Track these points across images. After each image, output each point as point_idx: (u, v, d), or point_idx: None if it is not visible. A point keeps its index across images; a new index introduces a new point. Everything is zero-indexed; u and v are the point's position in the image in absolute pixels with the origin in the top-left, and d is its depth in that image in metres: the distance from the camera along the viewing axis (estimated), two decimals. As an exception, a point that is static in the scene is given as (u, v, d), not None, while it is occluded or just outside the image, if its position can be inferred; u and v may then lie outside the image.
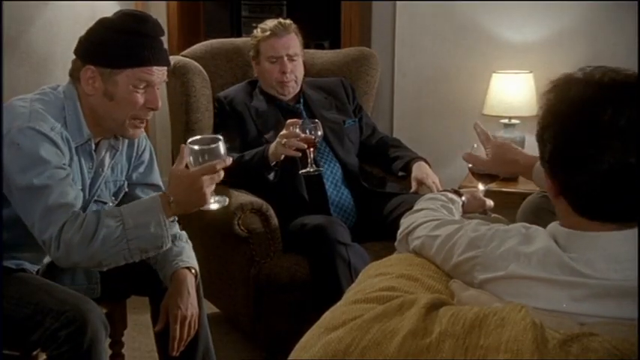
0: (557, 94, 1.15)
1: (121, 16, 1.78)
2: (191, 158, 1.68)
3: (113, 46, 1.74)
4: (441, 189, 2.53)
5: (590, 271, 1.11)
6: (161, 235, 1.68)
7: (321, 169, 2.34)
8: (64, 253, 1.63)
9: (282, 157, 2.38)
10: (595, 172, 1.09)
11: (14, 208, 1.70)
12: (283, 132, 2.33)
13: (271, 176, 2.46)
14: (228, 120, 2.66)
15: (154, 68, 1.76)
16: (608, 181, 1.09)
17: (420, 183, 2.56)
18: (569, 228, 1.18)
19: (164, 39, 1.82)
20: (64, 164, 1.70)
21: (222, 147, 1.69)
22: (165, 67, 1.81)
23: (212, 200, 1.73)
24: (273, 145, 2.39)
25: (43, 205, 1.63)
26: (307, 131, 2.29)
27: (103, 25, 1.78)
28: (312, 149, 2.31)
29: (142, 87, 1.76)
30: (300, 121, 2.32)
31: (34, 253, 1.86)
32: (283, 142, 2.31)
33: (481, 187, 1.85)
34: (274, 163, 2.41)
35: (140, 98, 1.76)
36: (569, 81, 1.15)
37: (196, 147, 1.68)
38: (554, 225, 1.22)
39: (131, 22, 1.75)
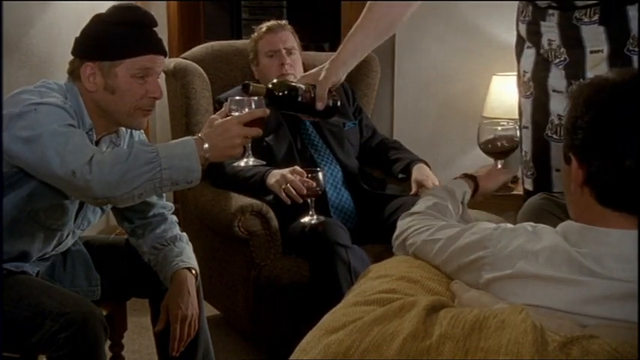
0: (594, 85, 1.18)
1: (113, 9, 1.81)
2: (233, 109, 1.68)
3: (109, 38, 1.76)
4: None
5: (598, 269, 1.11)
6: (193, 169, 1.63)
7: (322, 217, 2.30)
8: (97, 174, 1.57)
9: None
10: (627, 159, 1.11)
11: (31, 159, 1.64)
12: (288, 175, 2.32)
13: (269, 197, 2.47)
14: None
15: (152, 56, 1.78)
16: (636, 170, 1.10)
17: (421, 185, 2.56)
18: (584, 223, 1.18)
19: (164, 40, 1.83)
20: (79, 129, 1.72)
21: (262, 100, 1.70)
22: (163, 56, 1.83)
23: (247, 155, 1.72)
24: (273, 179, 2.38)
25: (72, 143, 1.61)
26: (310, 176, 2.25)
27: (96, 20, 1.81)
28: (313, 199, 2.27)
29: (141, 76, 1.77)
30: (304, 172, 2.29)
31: (29, 242, 1.85)
32: (283, 187, 2.32)
33: (498, 164, 1.79)
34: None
35: (141, 88, 1.78)
36: (606, 76, 1.19)
37: (238, 97, 1.70)
38: (566, 222, 1.23)
39: (124, 14, 1.78)
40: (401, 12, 1.90)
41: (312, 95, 1.78)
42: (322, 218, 2.29)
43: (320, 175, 2.21)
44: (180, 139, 1.71)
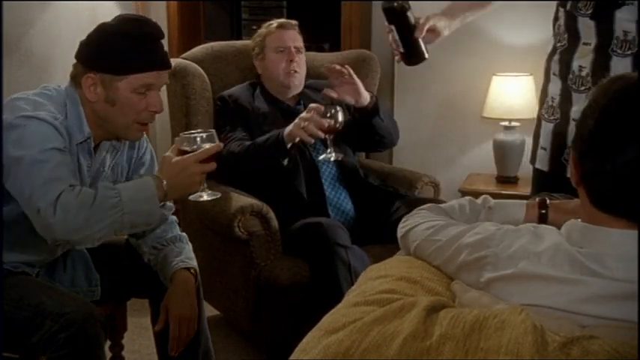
0: (603, 87, 1.19)
1: (121, 21, 1.79)
2: (186, 146, 1.72)
3: (114, 52, 1.74)
4: (354, 78, 2.46)
5: (600, 269, 1.11)
6: (153, 212, 1.70)
7: (340, 155, 2.34)
8: (61, 217, 1.60)
9: (298, 139, 2.36)
10: (615, 162, 1.11)
11: (12, 185, 1.67)
12: (304, 115, 2.32)
13: (285, 161, 2.45)
14: (233, 116, 2.65)
15: (156, 73, 1.77)
16: (625, 175, 1.11)
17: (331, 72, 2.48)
18: (586, 222, 1.19)
19: (164, 41, 1.82)
20: (64, 148, 1.72)
21: (215, 136, 1.75)
22: (167, 70, 1.82)
23: (203, 189, 1.77)
24: (290, 127, 2.37)
25: (44, 176, 1.63)
26: (328, 114, 2.29)
27: (103, 30, 1.78)
28: (332, 136, 2.31)
29: (143, 91, 1.77)
30: (322, 108, 2.31)
31: (34, 253, 1.86)
32: (302, 125, 2.30)
33: None
34: (290, 145, 2.39)
35: (142, 102, 1.78)
36: (617, 77, 1.20)
37: (191, 134, 1.74)
38: (571, 221, 1.23)
39: (130, 27, 1.76)
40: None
41: (415, 23, 2.01)
42: (341, 156, 2.34)
43: (340, 113, 2.26)
44: (141, 179, 1.75)
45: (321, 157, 2.37)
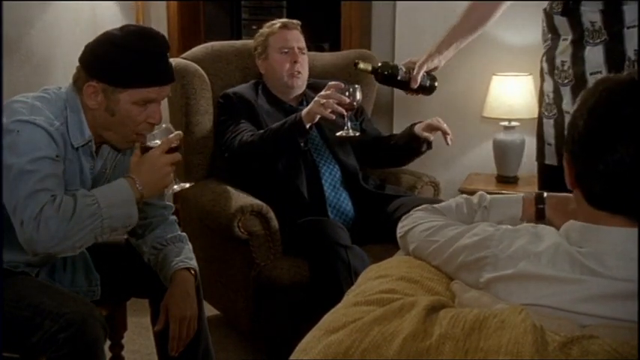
0: (591, 88, 1.20)
1: (127, 33, 1.78)
2: (146, 142, 1.76)
3: (117, 64, 1.74)
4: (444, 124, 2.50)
5: (600, 268, 1.11)
6: (131, 214, 1.71)
7: (357, 132, 2.39)
8: (44, 232, 1.61)
9: (317, 118, 2.37)
10: (607, 162, 1.12)
11: (3, 192, 1.68)
12: (324, 92, 2.34)
13: (303, 143, 2.46)
14: (237, 111, 2.64)
15: (158, 88, 1.78)
16: (618, 173, 1.12)
17: (432, 128, 2.52)
18: (584, 221, 1.19)
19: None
20: (57, 156, 1.72)
21: (172, 128, 1.79)
22: (170, 83, 1.82)
23: (176, 181, 1.80)
24: (308, 106, 2.38)
25: (29, 188, 1.64)
26: (347, 94, 2.33)
27: (107, 41, 1.77)
28: (349, 112, 2.35)
29: (143, 104, 1.77)
30: (342, 84, 2.34)
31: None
32: (322, 102, 2.31)
33: None
34: (309, 126, 2.39)
35: (141, 114, 1.78)
36: (605, 78, 1.22)
37: (150, 132, 1.79)
38: (569, 221, 1.24)
39: (136, 41, 1.75)
40: (489, 10, 2.26)
41: (410, 76, 2.26)
42: (357, 133, 2.42)
43: (358, 91, 2.34)
44: (116, 182, 1.75)
45: (339, 134, 2.39)
